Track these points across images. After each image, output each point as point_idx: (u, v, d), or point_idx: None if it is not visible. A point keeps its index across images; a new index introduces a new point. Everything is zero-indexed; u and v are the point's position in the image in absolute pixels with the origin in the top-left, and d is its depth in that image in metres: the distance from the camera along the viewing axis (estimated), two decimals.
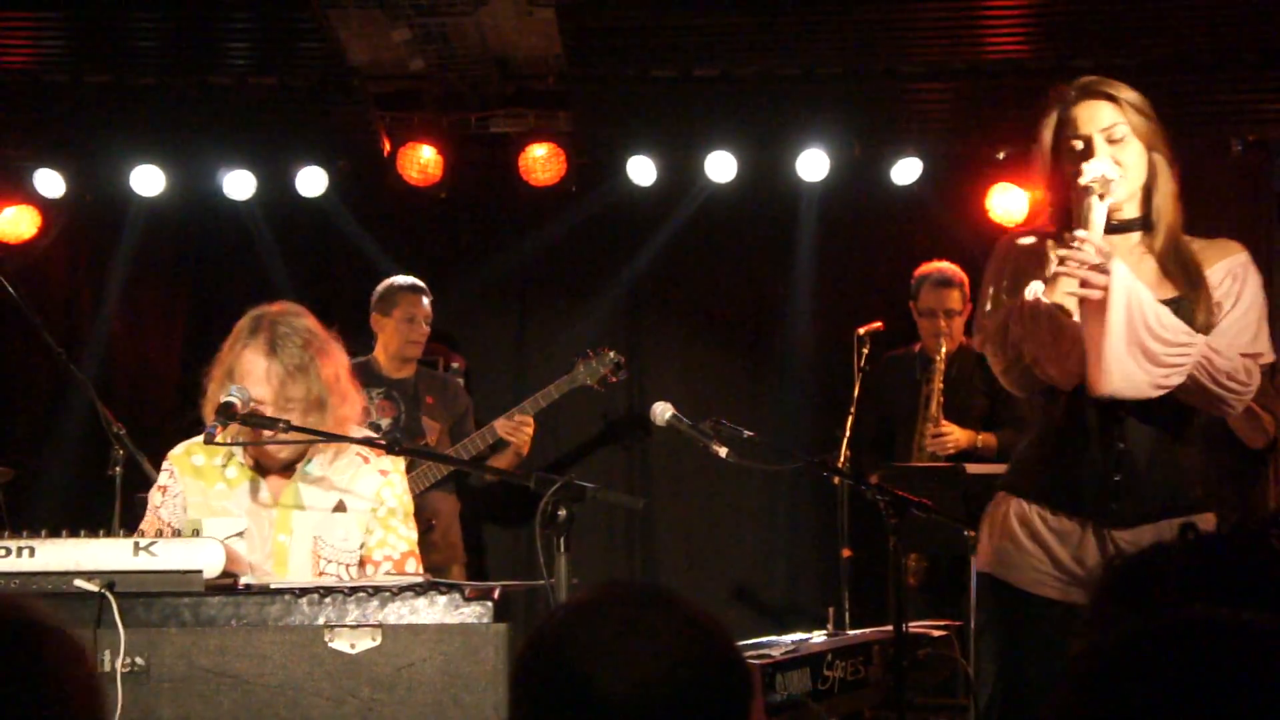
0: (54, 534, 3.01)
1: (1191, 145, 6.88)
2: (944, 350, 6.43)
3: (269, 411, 3.64)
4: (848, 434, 6.45)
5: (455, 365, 7.20)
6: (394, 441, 3.49)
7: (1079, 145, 3.35)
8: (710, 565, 7.54)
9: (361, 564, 3.80)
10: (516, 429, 6.33)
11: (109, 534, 3.08)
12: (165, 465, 3.91)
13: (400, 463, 3.90)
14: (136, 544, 2.96)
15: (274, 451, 3.75)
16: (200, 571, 2.96)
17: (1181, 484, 3.39)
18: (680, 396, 7.45)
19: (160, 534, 3.47)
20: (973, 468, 5.65)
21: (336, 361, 3.84)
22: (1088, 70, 6.36)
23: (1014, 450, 3.62)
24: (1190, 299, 3.33)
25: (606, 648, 1.60)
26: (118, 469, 5.10)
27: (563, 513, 3.05)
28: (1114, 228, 3.36)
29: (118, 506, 5.01)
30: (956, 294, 6.50)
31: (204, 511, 3.76)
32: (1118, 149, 3.32)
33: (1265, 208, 7.22)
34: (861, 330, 6.67)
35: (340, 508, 3.78)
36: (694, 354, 7.72)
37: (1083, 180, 3.26)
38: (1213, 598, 1.45)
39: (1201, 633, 1.11)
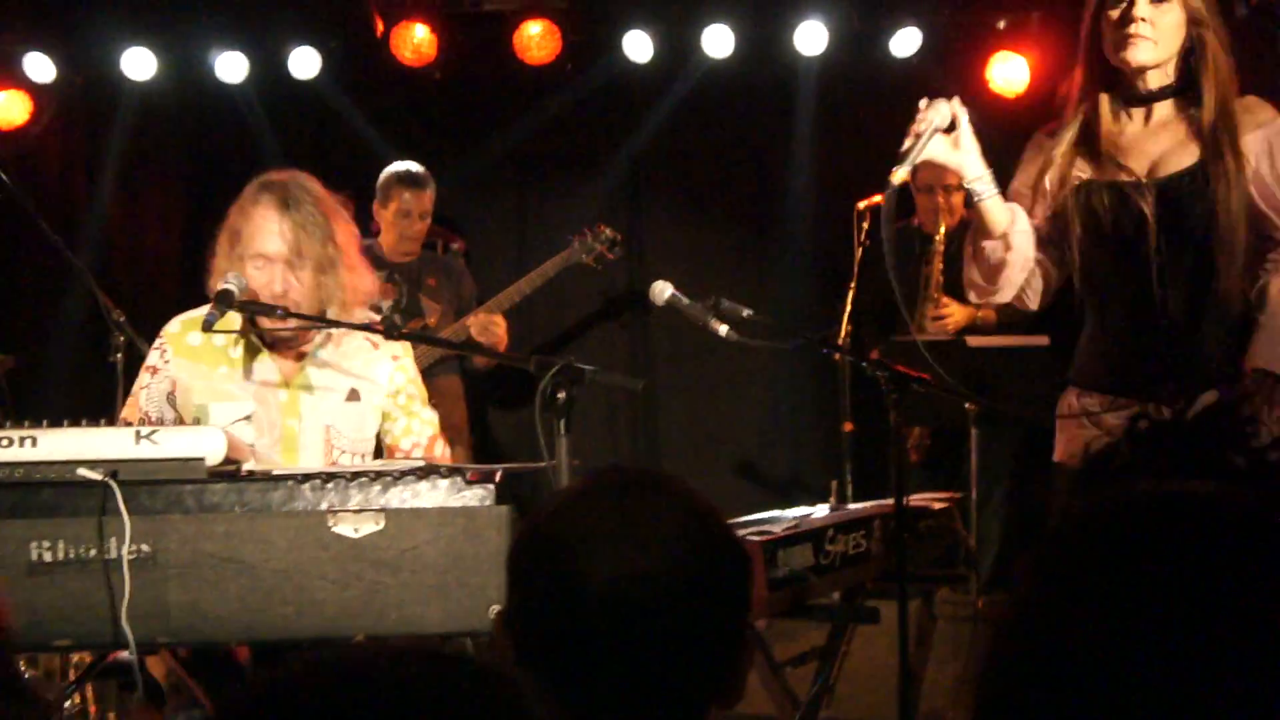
0: (56, 424, 3.01)
1: None
2: (943, 228, 6.39)
3: (280, 269, 3.57)
4: (848, 308, 6.45)
5: (455, 247, 7.17)
6: (391, 325, 3.46)
7: (1121, 3, 3.30)
8: (713, 441, 7.58)
9: (389, 453, 3.77)
10: (485, 328, 6.25)
11: (111, 422, 3.08)
12: (158, 343, 3.78)
13: (408, 345, 3.85)
14: (138, 433, 2.97)
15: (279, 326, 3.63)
16: (203, 459, 2.97)
17: (1223, 350, 3.41)
18: (681, 272, 7.45)
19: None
20: (973, 340, 5.65)
21: (348, 228, 3.73)
22: None
23: (1078, 340, 3.64)
24: (1212, 167, 3.31)
25: (600, 535, 1.60)
26: (119, 355, 5.09)
27: (562, 395, 3.06)
28: (1145, 96, 3.35)
29: (119, 393, 5.01)
30: None
31: (207, 395, 3.67)
32: (1158, 11, 3.27)
33: (1272, 69, 7.17)
34: (861, 204, 6.63)
35: (354, 396, 3.72)
36: (694, 229, 7.70)
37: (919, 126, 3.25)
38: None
39: (1143, 507, 1.12)
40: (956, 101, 3.27)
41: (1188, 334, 3.38)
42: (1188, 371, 3.38)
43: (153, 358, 3.77)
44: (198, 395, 3.68)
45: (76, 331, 7.04)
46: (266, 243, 3.58)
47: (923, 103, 3.29)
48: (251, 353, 3.70)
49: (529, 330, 7.54)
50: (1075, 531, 1.13)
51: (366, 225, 6.54)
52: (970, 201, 3.34)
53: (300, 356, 3.72)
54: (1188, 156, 3.37)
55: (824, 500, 6.70)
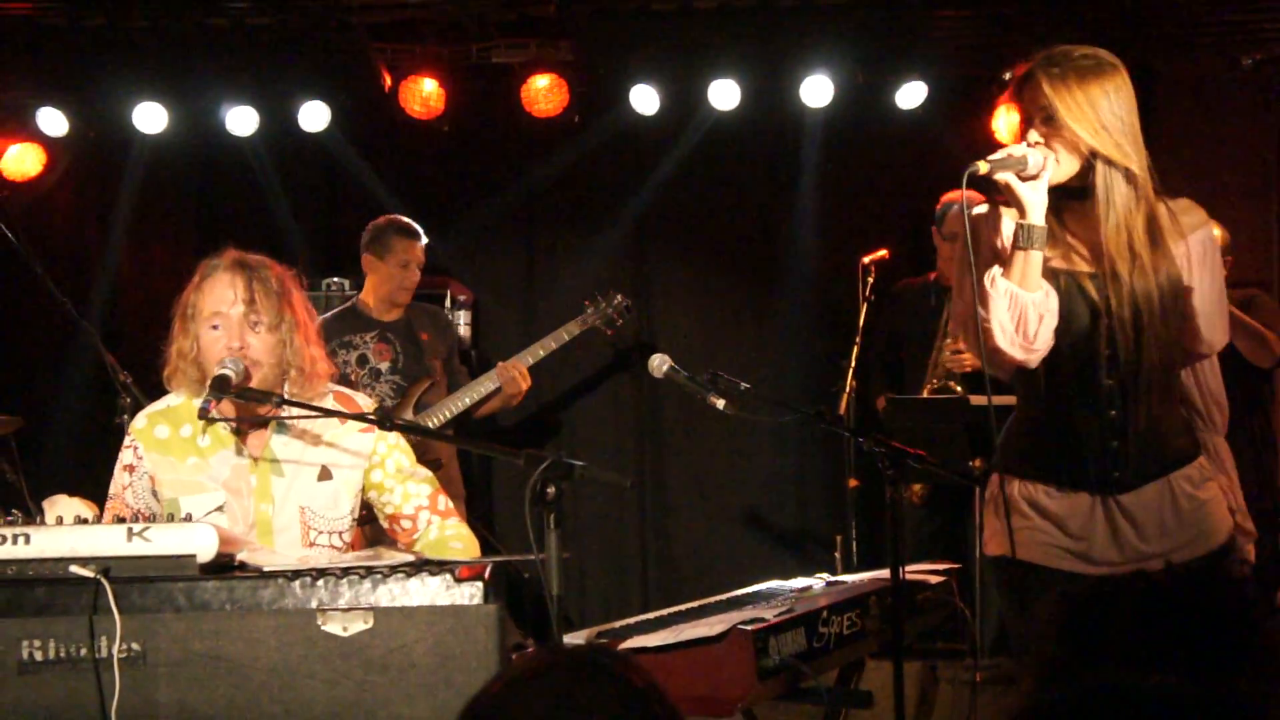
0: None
1: (1202, 62, 6.85)
2: None
3: (236, 325, 3.58)
4: (853, 364, 6.47)
5: (463, 298, 7.18)
6: (385, 417, 3.47)
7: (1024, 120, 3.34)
8: (720, 495, 7.59)
9: (393, 521, 3.75)
10: (513, 379, 6.29)
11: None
12: (128, 440, 3.73)
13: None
14: (130, 529, 2.97)
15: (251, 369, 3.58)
16: (194, 555, 2.97)
17: (1170, 437, 3.42)
18: (687, 325, 7.51)
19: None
20: (976, 399, 5.67)
21: (305, 302, 3.74)
22: None
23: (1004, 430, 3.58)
24: (1152, 265, 3.31)
25: None
26: (124, 416, 5.13)
27: (552, 490, 3.06)
28: (1069, 193, 3.35)
29: None
30: None
31: (177, 489, 3.63)
32: (1053, 128, 3.26)
33: (1274, 122, 7.21)
34: (866, 259, 6.66)
35: (325, 474, 3.68)
36: (700, 282, 7.72)
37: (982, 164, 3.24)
38: (1165, 639, 1.47)
39: (1105, 701, 1.14)
40: (1052, 159, 3.26)
41: (1136, 425, 3.37)
42: (1135, 462, 3.38)
43: (126, 456, 3.72)
44: (168, 489, 3.64)
45: (83, 392, 7.08)
46: (222, 300, 3.60)
47: (1034, 135, 3.28)
48: (219, 439, 3.67)
49: (536, 387, 7.54)
50: None
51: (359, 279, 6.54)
52: (1018, 245, 3.29)
53: (265, 424, 3.66)
54: (1126, 254, 3.37)
55: (831, 551, 6.73)
